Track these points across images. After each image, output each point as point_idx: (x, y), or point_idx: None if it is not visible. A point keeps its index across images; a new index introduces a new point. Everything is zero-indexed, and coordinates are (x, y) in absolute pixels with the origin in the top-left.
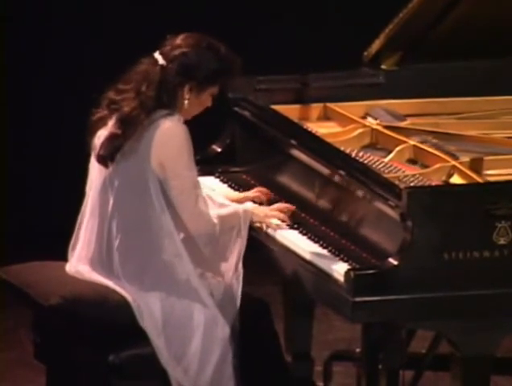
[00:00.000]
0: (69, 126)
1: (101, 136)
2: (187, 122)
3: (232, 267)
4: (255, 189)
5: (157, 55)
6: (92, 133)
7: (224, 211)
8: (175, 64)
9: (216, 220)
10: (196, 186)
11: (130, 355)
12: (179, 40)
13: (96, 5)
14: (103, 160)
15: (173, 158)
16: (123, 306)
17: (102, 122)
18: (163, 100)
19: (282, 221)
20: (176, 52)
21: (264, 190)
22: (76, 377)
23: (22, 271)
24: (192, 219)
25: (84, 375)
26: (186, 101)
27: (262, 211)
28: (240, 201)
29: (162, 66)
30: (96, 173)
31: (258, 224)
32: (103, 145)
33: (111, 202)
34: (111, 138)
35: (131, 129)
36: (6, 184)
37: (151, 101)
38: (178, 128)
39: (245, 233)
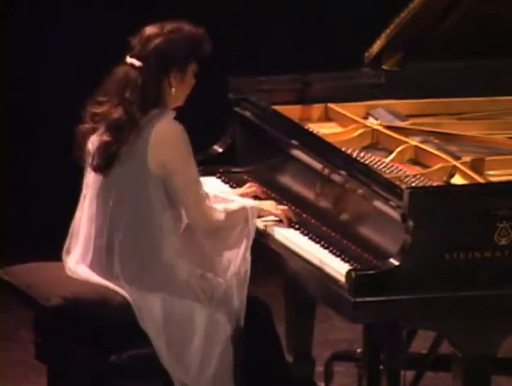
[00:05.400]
0: (70, 126)
1: (94, 141)
2: (188, 122)
3: (239, 256)
4: (247, 185)
5: (129, 59)
6: (82, 143)
7: (231, 206)
8: (152, 60)
9: (223, 214)
10: (197, 181)
11: (131, 356)
12: (144, 36)
13: (98, 4)
14: (99, 169)
15: (172, 157)
16: (124, 307)
17: (91, 132)
18: (151, 98)
19: (288, 218)
20: (148, 48)
21: (255, 185)
22: (77, 377)
23: (22, 272)
24: (195, 215)
25: (85, 376)
26: (173, 90)
27: (269, 204)
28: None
29: (139, 68)
30: (92, 178)
31: (259, 224)
32: (96, 154)
33: (109, 206)
34: (104, 146)
35: (122, 135)
36: (6, 184)
37: (138, 105)
38: (172, 126)
39: (252, 227)
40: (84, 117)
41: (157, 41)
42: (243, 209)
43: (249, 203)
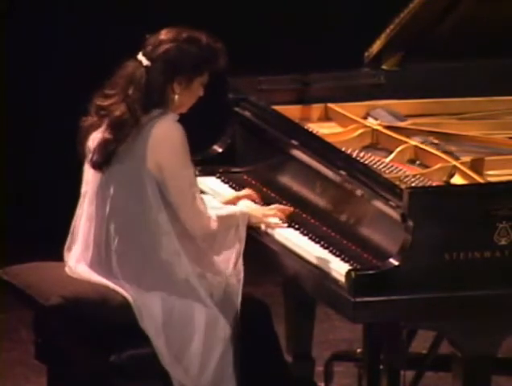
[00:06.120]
0: (69, 126)
1: (95, 139)
2: (188, 122)
3: (231, 265)
4: (245, 190)
5: (140, 56)
6: (85, 138)
7: (222, 212)
8: (159, 63)
9: (216, 223)
10: (193, 184)
11: (131, 356)
12: (159, 38)
13: (98, 4)
14: (98, 166)
15: (169, 159)
16: (124, 307)
17: (94, 128)
18: (153, 100)
19: (280, 220)
20: (158, 51)
21: (253, 193)
22: (77, 377)
23: (22, 271)
24: (190, 219)
25: (85, 376)
26: (177, 96)
27: (259, 211)
28: (232, 202)
29: (146, 67)
30: (91, 176)
31: (261, 226)
32: (96, 150)
33: (108, 204)
34: (103, 144)
35: (123, 133)
36: (6, 184)
37: (140, 104)
38: (172, 128)
39: (243, 233)
40: (89, 109)
41: (168, 46)
42: (233, 216)
43: (239, 209)
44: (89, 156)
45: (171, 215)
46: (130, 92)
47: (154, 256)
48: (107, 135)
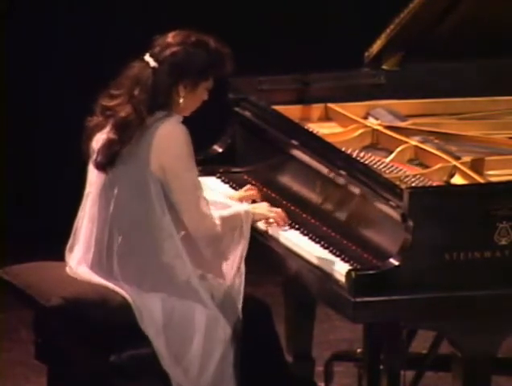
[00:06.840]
0: (70, 126)
1: (99, 140)
2: (188, 122)
3: (234, 267)
4: (246, 187)
5: (147, 57)
6: (89, 139)
7: (225, 213)
8: (166, 65)
9: (218, 221)
10: (197, 187)
11: (131, 356)
12: (167, 39)
13: (98, 4)
14: (102, 166)
15: (173, 161)
16: (124, 307)
17: (98, 128)
18: (159, 101)
19: (282, 220)
20: (166, 53)
21: (254, 188)
22: (77, 377)
23: (22, 271)
24: (194, 221)
25: (85, 376)
26: (181, 100)
27: (262, 207)
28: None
29: (153, 68)
30: (94, 177)
31: (261, 226)
32: (100, 151)
33: (111, 206)
34: (108, 144)
35: (127, 134)
36: (6, 184)
37: (146, 105)
38: (176, 130)
39: (247, 233)
40: (94, 109)
41: (176, 49)
42: (237, 216)
43: (243, 208)
44: (93, 157)
45: (174, 218)
46: (136, 92)
47: (155, 259)
48: (111, 136)
